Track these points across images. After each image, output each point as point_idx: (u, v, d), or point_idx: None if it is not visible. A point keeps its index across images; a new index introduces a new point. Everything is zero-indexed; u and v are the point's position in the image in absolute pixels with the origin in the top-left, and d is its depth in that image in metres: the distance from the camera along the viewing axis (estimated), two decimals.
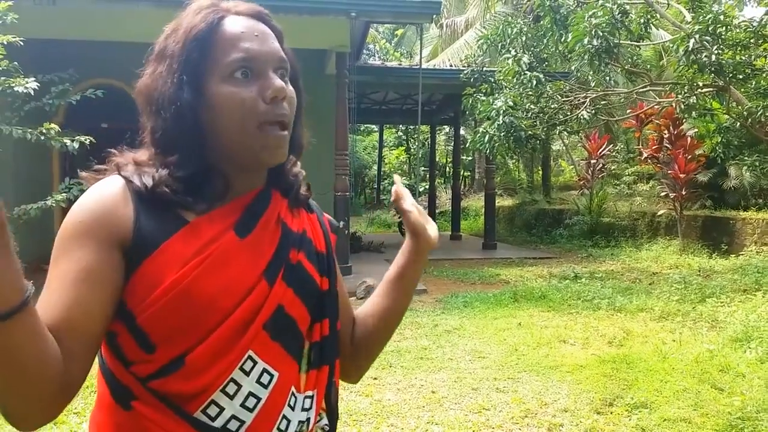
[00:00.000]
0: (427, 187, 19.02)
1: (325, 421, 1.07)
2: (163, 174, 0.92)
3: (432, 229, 1.15)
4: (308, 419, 0.99)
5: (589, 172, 14.27)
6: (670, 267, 9.76)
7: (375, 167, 27.67)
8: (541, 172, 20.31)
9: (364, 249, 12.23)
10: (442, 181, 24.81)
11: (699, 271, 9.10)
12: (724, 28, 6.58)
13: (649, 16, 7.75)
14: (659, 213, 12.38)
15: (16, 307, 0.72)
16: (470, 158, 23.47)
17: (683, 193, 11.04)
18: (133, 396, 0.89)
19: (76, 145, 5.70)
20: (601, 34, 7.14)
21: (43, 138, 5.71)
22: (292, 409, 0.97)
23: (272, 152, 0.95)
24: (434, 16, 12.58)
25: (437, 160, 21.89)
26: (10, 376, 0.76)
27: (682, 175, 10.89)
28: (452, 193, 16.62)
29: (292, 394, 0.97)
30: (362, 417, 3.88)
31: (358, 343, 1.16)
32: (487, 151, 9.59)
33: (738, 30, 6.92)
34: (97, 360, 0.92)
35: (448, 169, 24.96)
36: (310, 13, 7.97)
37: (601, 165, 14.31)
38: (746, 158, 10.76)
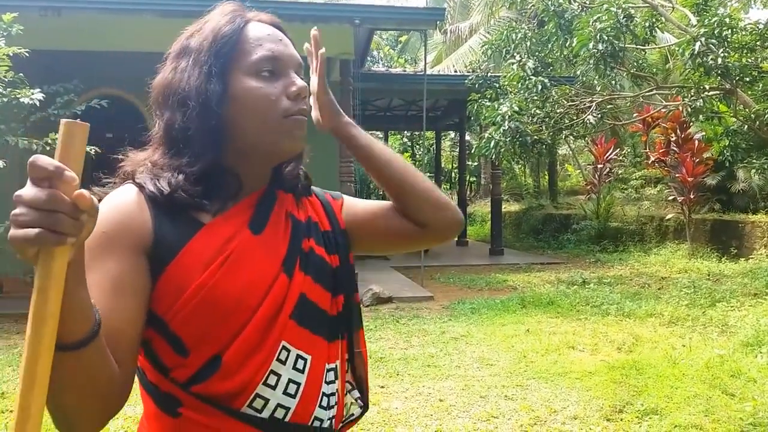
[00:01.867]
0: None
1: (356, 393, 1.12)
2: (180, 178, 0.94)
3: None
4: (336, 390, 1.04)
5: (596, 176, 14.21)
6: (679, 271, 9.69)
7: None
8: (547, 177, 20.24)
9: (370, 256, 12.20)
10: (448, 187, 24.75)
11: (708, 275, 9.03)
12: (729, 30, 6.56)
13: (654, 20, 7.74)
14: (667, 217, 12.31)
15: (91, 334, 0.76)
16: (476, 164, 23.44)
17: (691, 196, 10.97)
18: (179, 403, 0.92)
19: None
20: (606, 38, 7.12)
21: (48, 148, 5.73)
22: (329, 384, 1.02)
23: (294, 139, 1.00)
24: (438, 22, 12.60)
25: (443, 165, 21.85)
26: (87, 395, 0.80)
27: (690, 179, 10.82)
28: (458, 199, 16.57)
29: (328, 370, 1.02)
30: (369, 426, 3.85)
31: (405, 212, 1.16)
32: (493, 157, 9.57)
33: (744, 33, 6.90)
34: (137, 377, 0.95)
35: (453, 174, 24.91)
36: (314, 20, 7.98)
37: (608, 169, 14.24)
38: (754, 161, 10.69)
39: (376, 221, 1.17)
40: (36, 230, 0.63)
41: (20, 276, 7.58)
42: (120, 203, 0.93)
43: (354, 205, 1.19)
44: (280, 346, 0.95)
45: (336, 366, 1.05)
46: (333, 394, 1.03)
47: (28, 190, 0.64)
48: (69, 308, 0.70)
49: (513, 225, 17.65)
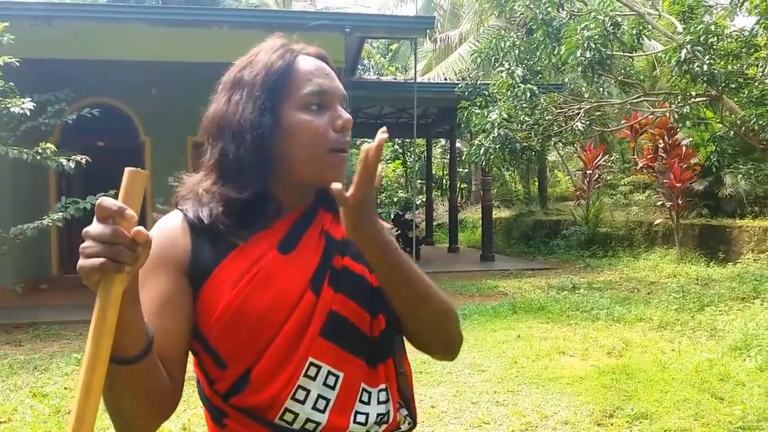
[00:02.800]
0: (424, 199, 19.02)
1: (405, 411, 1.12)
2: (219, 211, 1.00)
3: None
4: (388, 411, 1.06)
5: (585, 182, 14.31)
6: (668, 276, 9.76)
7: None
8: (537, 184, 20.34)
9: None
10: (439, 194, 24.80)
11: (697, 279, 9.10)
12: (715, 38, 6.63)
13: (641, 28, 7.82)
14: (656, 222, 12.40)
15: (146, 349, 0.86)
16: (467, 170, 23.49)
17: (679, 202, 11.07)
18: (225, 414, 1.00)
19: (72, 164, 5.71)
20: (593, 46, 7.19)
21: (39, 157, 5.72)
22: (367, 403, 1.03)
23: (338, 173, 1.02)
24: (428, 31, 12.68)
25: (434, 172, 21.90)
26: (142, 401, 0.90)
27: (677, 184, 10.92)
28: (449, 206, 16.63)
29: (364, 390, 1.03)
30: None
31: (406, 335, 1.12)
32: (483, 164, 9.61)
33: (730, 40, 6.98)
34: (197, 390, 1.06)
35: (444, 181, 24.97)
36: (306, 29, 8.03)
37: (597, 175, 14.35)
38: (741, 166, 10.80)
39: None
40: (101, 260, 0.75)
41: (10, 286, 7.54)
42: (166, 228, 1.03)
43: None
44: (308, 363, 0.98)
45: (387, 387, 1.06)
46: (381, 414, 1.04)
47: (95, 227, 0.76)
48: (125, 327, 0.81)
49: (504, 231, 17.71)
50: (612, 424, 3.93)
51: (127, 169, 0.80)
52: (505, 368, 5.18)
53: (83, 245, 0.76)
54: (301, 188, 1.07)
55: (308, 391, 0.98)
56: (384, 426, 1.05)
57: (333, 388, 1.00)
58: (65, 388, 4.73)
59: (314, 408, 0.98)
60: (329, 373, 1.00)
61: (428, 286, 1.03)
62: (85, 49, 8.17)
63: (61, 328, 6.84)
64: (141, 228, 0.77)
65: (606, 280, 9.81)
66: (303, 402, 0.98)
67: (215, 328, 0.97)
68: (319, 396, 0.99)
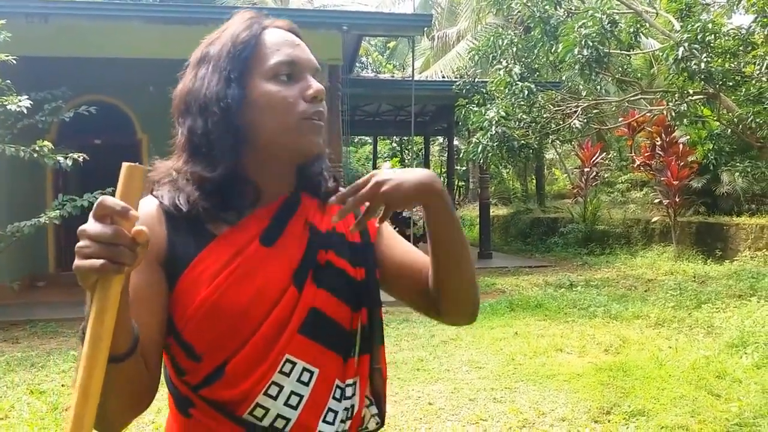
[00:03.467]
0: None
1: (375, 409, 1.10)
2: (197, 195, 0.97)
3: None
4: (352, 406, 1.04)
5: (583, 180, 14.33)
6: (665, 273, 9.78)
7: None
8: (534, 181, 20.35)
9: None
10: None
11: (694, 277, 9.12)
12: (712, 36, 6.65)
13: (638, 26, 7.82)
14: (653, 220, 12.42)
15: (133, 346, 0.85)
16: (464, 168, 23.52)
17: (677, 199, 11.09)
18: (191, 404, 0.97)
19: (69, 162, 5.70)
20: (591, 44, 7.20)
21: (36, 155, 5.71)
22: (339, 400, 1.02)
23: (311, 140, 1.00)
24: (425, 28, 12.69)
25: (431, 170, 21.89)
26: (126, 397, 0.89)
27: (675, 182, 10.94)
28: None
29: (338, 386, 1.02)
30: None
31: (435, 289, 1.11)
32: (481, 161, 9.63)
33: (727, 38, 6.99)
34: (163, 377, 1.02)
35: (442, 179, 24.99)
36: (302, 26, 7.96)
37: (594, 173, 14.36)
38: (738, 164, 10.82)
39: (402, 279, 1.13)
40: (101, 261, 0.73)
41: (7, 283, 7.54)
42: (141, 216, 0.95)
43: (392, 245, 1.14)
44: (284, 359, 0.96)
45: (355, 381, 1.05)
46: (347, 409, 1.02)
47: (93, 226, 0.73)
48: (118, 326, 0.78)
49: (501, 229, 17.72)
50: (609, 421, 3.94)
51: (124, 164, 0.77)
52: (502, 365, 5.19)
53: (80, 245, 0.73)
54: (279, 167, 1.03)
55: (281, 387, 0.96)
56: (348, 422, 1.03)
57: (307, 384, 0.98)
58: (62, 385, 4.73)
59: (286, 404, 0.97)
60: (304, 369, 0.98)
61: (466, 242, 1.08)
62: (82, 46, 8.15)
63: (58, 325, 6.83)
64: (142, 228, 0.75)
65: (603, 277, 9.82)
66: (275, 398, 0.96)
67: (191, 321, 0.94)
68: (292, 392, 0.97)
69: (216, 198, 0.98)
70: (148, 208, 0.99)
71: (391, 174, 0.97)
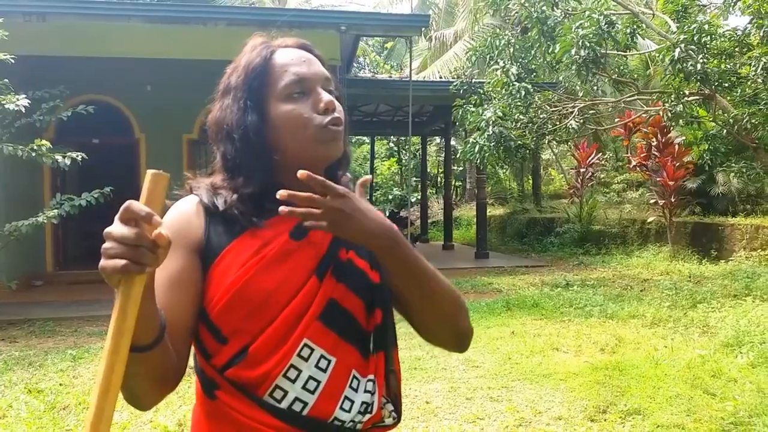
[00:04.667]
0: (419, 197, 19.07)
1: (391, 406, 1.15)
2: (234, 198, 1.07)
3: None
4: (373, 402, 1.09)
5: (579, 180, 14.36)
6: (661, 273, 9.81)
7: None
8: (531, 181, 20.39)
9: None
10: (434, 191, 24.83)
11: (689, 277, 9.16)
12: (709, 37, 6.69)
13: (635, 27, 7.87)
14: (649, 220, 12.46)
15: (158, 338, 0.91)
16: (461, 168, 23.54)
17: (672, 200, 11.12)
18: (216, 386, 1.03)
19: (67, 161, 5.71)
20: (588, 44, 7.23)
21: (34, 154, 5.71)
22: (355, 390, 1.07)
23: (328, 144, 1.08)
24: (423, 29, 12.69)
25: (429, 170, 21.90)
26: (151, 381, 0.96)
27: (670, 183, 10.97)
28: (444, 203, 16.65)
29: (354, 377, 1.07)
30: None
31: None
32: (478, 161, 9.65)
33: (723, 39, 7.03)
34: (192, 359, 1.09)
35: (439, 179, 25.02)
36: (300, 27, 8.03)
37: (590, 173, 14.39)
38: (733, 165, 10.86)
39: (398, 296, 1.13)
40: (123, 261, 0.78)
41: (5, 282, 7.53)
42: (182, 210, 1.08)
43: None
44: (302, 343, 1.02)
45: (374, 379, 1.10)
46: (365, 403, 1.07)
47: (118, 228, 0.79)
48: (141, 319, 0.84)
49: (498, 228, 17.75)
50: (605, 420, 3.96)
51: (149, 172, 0.82)
52: (499, 364, 5.21)
53: (105, 246, 0.79)
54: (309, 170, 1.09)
55: (300, 371, 1.02)
56: (367, 416, 1.08)
57: (324, 371, 1.03)
58: (60, 384, 4.73)
59: (304, 388, 1.02)
60: (322, 356, 1.03)
61: (439, 281, 1.10)
62: (80, 45, 8.15)
63: (56, 324, 6.83)
64: (163, 230, 0.80)
65: (599, 277, 9.85)
66: (293, 381, 1.01)
67: (219, 304, 1.01)
68: (310, 377, 1.02)
69: (251, 203, 1.07)
70: (189, 203, 1.09)
71: (356, 206, 0.96)
